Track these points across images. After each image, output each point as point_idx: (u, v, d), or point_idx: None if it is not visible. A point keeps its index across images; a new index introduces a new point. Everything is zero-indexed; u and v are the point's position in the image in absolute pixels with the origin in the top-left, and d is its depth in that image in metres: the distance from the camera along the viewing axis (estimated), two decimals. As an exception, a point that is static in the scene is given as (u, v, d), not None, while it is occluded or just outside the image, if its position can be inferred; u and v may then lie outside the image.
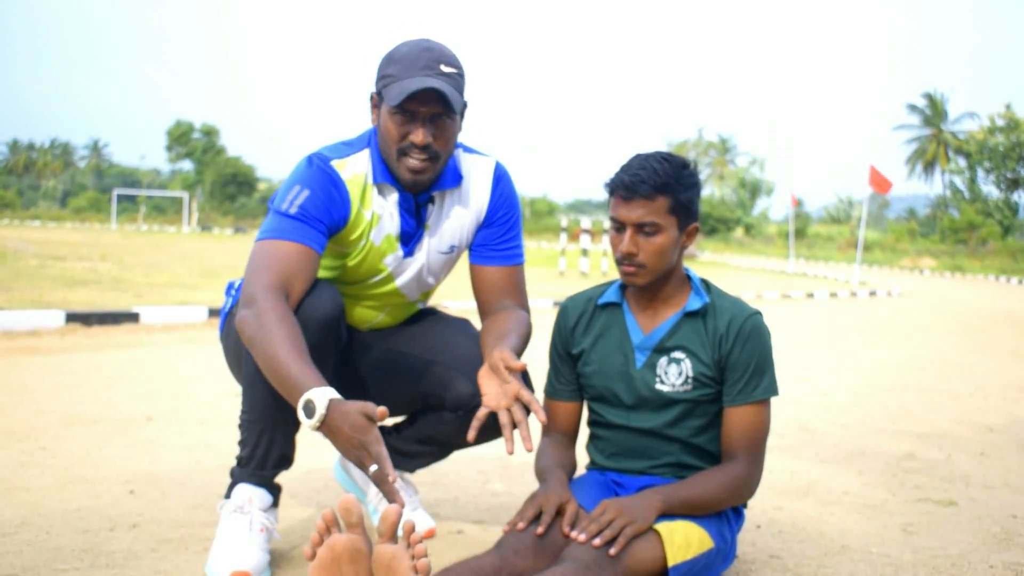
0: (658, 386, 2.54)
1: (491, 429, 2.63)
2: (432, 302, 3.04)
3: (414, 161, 2.54)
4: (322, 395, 2.16)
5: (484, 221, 2.78)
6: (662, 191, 2.44)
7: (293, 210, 2.48)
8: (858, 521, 3.34)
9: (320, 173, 2.55)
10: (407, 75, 2.47)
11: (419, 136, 2.50)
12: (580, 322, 2.68)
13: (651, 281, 2.51)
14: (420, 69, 2.47)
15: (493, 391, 2.45)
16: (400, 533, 1.92)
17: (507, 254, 2.81)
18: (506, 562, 2.22)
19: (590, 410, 2.70)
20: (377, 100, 2.59)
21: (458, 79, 2.54)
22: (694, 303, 2.55)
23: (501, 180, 2.79)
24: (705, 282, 2.63)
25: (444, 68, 2.50)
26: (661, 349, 2.55)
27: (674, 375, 2.53)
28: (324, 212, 2.52)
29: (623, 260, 2.49)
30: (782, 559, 2.88)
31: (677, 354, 2.53)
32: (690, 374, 2.52)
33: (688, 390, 2.52)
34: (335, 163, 2.58)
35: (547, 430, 2.73)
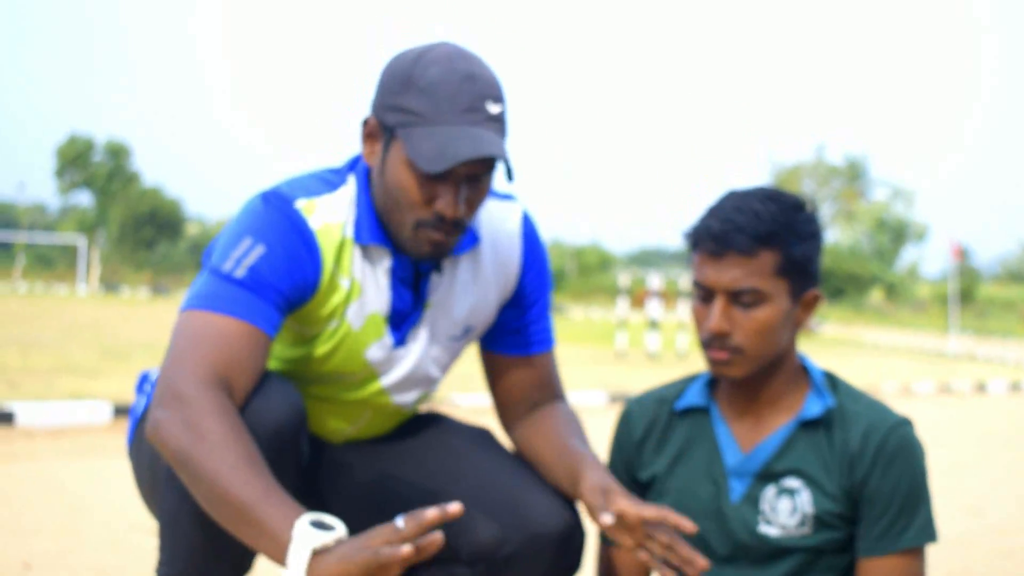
0: (763, 528, 2.53)
1: None
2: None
3: (438, 235, 2.52)
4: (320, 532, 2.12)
5: (514, 296, 2.81)
6: (767, 244, 2.45)
7: (240, 272, 2.45)
8: None
9: (281, 220, 2.53)
10: (444, 120, 2.45)
11: (451, 207, 2.48)
12: (651, 435, 2.68)
13: (751, 373, 2.52)
14: (463, 112, 2.45)
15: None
16: None
17: (539, 339, 2.83)
18: None
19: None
20: (381, 134, 2.55)
21: (505, 120, 2.53)
22: (813, 407, 2.55)
23: (532, 237, 2.82)
24: (830, 376, 2.62)
25: (491, 107, 2.48)
26: (767, 475, 2.54)
27: (786, 513, 2.52)
28: (284, 277, 2.50)
29: (712, 342, 2.50)
30: None
31: (790, 482, 2.53)
32: (809, 511, 2.50)
33: (807, 534, 2.51)
34: (301, 204, 2.57)
35: (602, 590, 2.71)
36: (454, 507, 2.08)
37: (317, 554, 2.11)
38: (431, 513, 2.07)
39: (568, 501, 2.73)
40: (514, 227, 2.78)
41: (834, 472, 2.50)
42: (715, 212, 2.50)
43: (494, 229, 2.76)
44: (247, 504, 2.18)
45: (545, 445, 2.70)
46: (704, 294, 2.50)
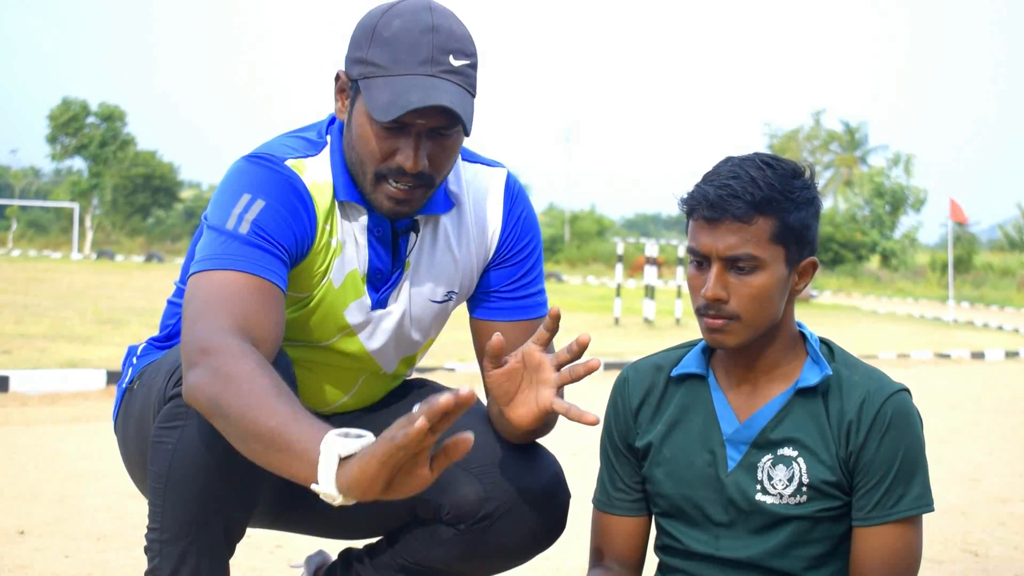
0: (759, 497, 2.53)
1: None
2: (430, 362, 2.98)
3: (396, 189, 2.53)
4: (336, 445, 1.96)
5: (494, 259, 2.81)
6: (763, 210, 2.44)
7: (244, 229, 2.43)
8: None
9: (277, 176, 2.52)
10: (401, 69, 2.45)
11: (410, 160, 2.48)
12: (647, 401, 2.68)
13: (748, 341, 2.51)
14: (420, 63, 2.45)
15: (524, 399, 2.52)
16: None
17: (527, 304, 2.84)
18: None
19: (660, 530, 2.69)
20: (349, 87, 2.57)
21: (470, 73, 2.52)
22: (810, 375, 2.54)
23: (516, 199, 2.82)
24: (827, 344, 2.62)
25: (454, 60, 2.48)
26: (763, 443, 2.54)
27: (782, 481, 2.52)
28: (285, 232, 2.49)
29: (707, 309, 2.49)
30: None
31: (786, 450, 2.52)
32: (805, 480, 2.50)
33: (802, 503, 2.51)
34: (291, 164, 2.56)
35: (599, 558, 2.72)
36: (465, 391, 1.84)
37: (344, 461, 1.96)
38: (444, 399, 1.82)
39: (552, 461, 2.77)
40: (497, 189, 2.79)
41: (830, 441, 2.50)
42: (711, 178, 2.48)
43: (477, 192, 2.77)
44: (275, 430, 2.06)
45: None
46: (700, 261, 2.50)
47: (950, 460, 7.50)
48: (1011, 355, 18.09)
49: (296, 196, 2.53)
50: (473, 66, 2.52)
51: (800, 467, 2.51)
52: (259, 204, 2.47)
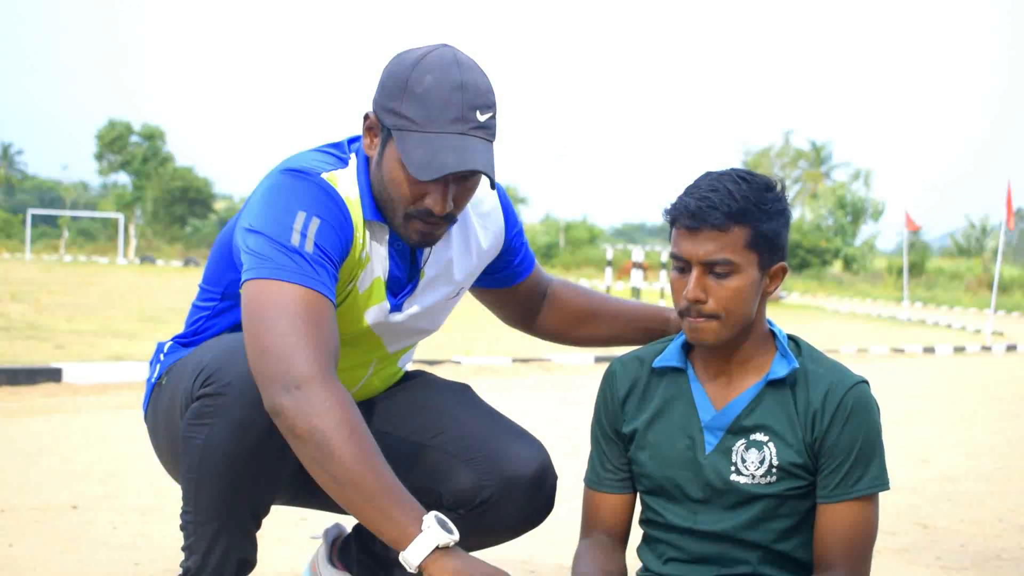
0: (733, 477, 2.53)
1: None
2: (439, 355, 2.97)
3: (424, 225, 2.53)
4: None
5: (503, 252, 2.89)
6: (739, 220, 2.45)
7: (309, 247, 2.38)
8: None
9: (322, 192, 2.47)
10: (435, 127, 2.43)
11: (439, 204, 2.48)
12: (633, 392, 2.68)
13: (726, 338, 2.51)
14: (452, 121, 2.43)
15: None
16: None
17: (528, 263, 3.01)
18: None
19: (644, 506, 2.70)
20: (379, 130, 2.53)
21: (493, 124, 2.51)
22: (779, 368, 2.55)
23: (506, 200, 2.89)
24: (794, 340, 2.63)
25: (480, 116, 2.46)
26: (737, 429, 2.55)
27: (754, 463, 2.53)
28: (336, 248, 2.46)
29: (689, 310, 2.49)
30: None
31: (758, 436, 2.53)
32: (775, 462, 2.51)
33: (771, 482, 2.51)
34: (326, 177, 2.52)
35: (589, 530, 2.72)
36: None
37: (437, 550, 2.18)
38: None
39: (540, 447, 2.81)
40: (493, 196, 2.83)
41: (797, 427, 2.51)
42: (692, 191, 2.49)
43: (477, 200, 2.78)
44: (381, 491, 2.22)
45: (605, 304, 3.13)
46: (681, 266, 2.50)
47: (904, 444, 7.51)
48: (959, 350, 18.10)
49: (340, 211, 2.49)
50: (495, 115, 2.51)
51: (771, 451, 2.51)
52: (316, 222, 2.41)
